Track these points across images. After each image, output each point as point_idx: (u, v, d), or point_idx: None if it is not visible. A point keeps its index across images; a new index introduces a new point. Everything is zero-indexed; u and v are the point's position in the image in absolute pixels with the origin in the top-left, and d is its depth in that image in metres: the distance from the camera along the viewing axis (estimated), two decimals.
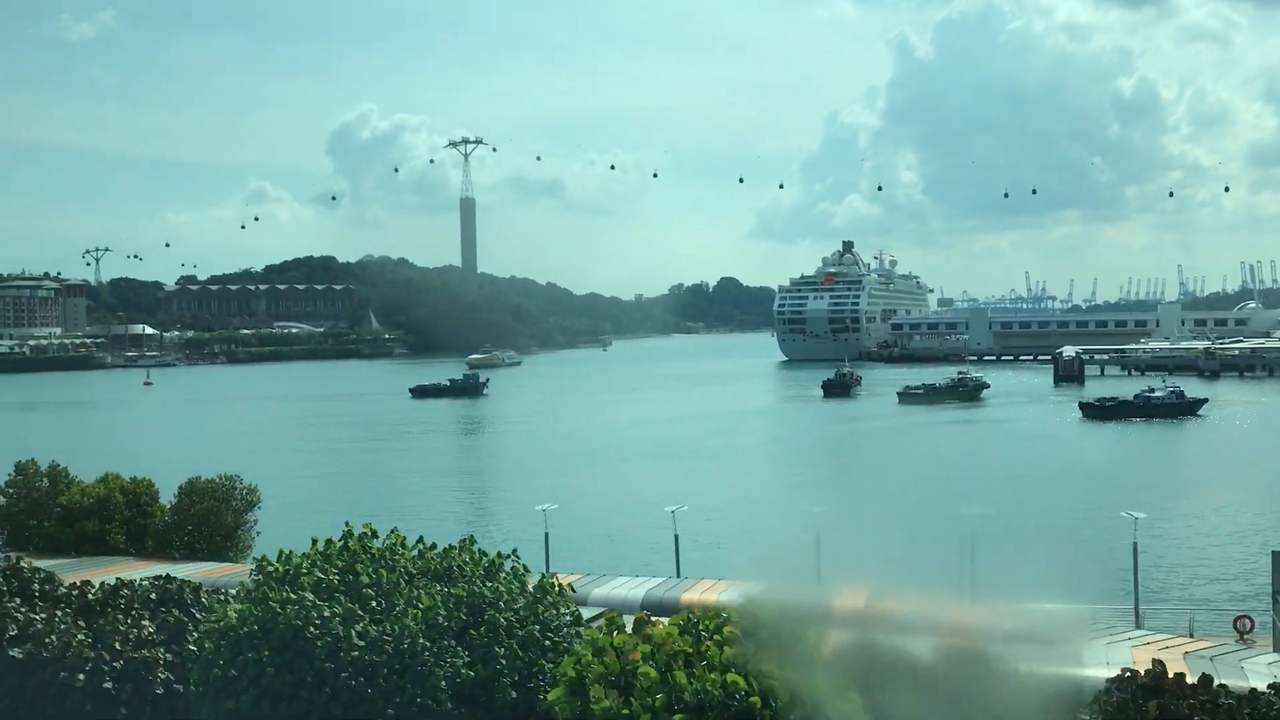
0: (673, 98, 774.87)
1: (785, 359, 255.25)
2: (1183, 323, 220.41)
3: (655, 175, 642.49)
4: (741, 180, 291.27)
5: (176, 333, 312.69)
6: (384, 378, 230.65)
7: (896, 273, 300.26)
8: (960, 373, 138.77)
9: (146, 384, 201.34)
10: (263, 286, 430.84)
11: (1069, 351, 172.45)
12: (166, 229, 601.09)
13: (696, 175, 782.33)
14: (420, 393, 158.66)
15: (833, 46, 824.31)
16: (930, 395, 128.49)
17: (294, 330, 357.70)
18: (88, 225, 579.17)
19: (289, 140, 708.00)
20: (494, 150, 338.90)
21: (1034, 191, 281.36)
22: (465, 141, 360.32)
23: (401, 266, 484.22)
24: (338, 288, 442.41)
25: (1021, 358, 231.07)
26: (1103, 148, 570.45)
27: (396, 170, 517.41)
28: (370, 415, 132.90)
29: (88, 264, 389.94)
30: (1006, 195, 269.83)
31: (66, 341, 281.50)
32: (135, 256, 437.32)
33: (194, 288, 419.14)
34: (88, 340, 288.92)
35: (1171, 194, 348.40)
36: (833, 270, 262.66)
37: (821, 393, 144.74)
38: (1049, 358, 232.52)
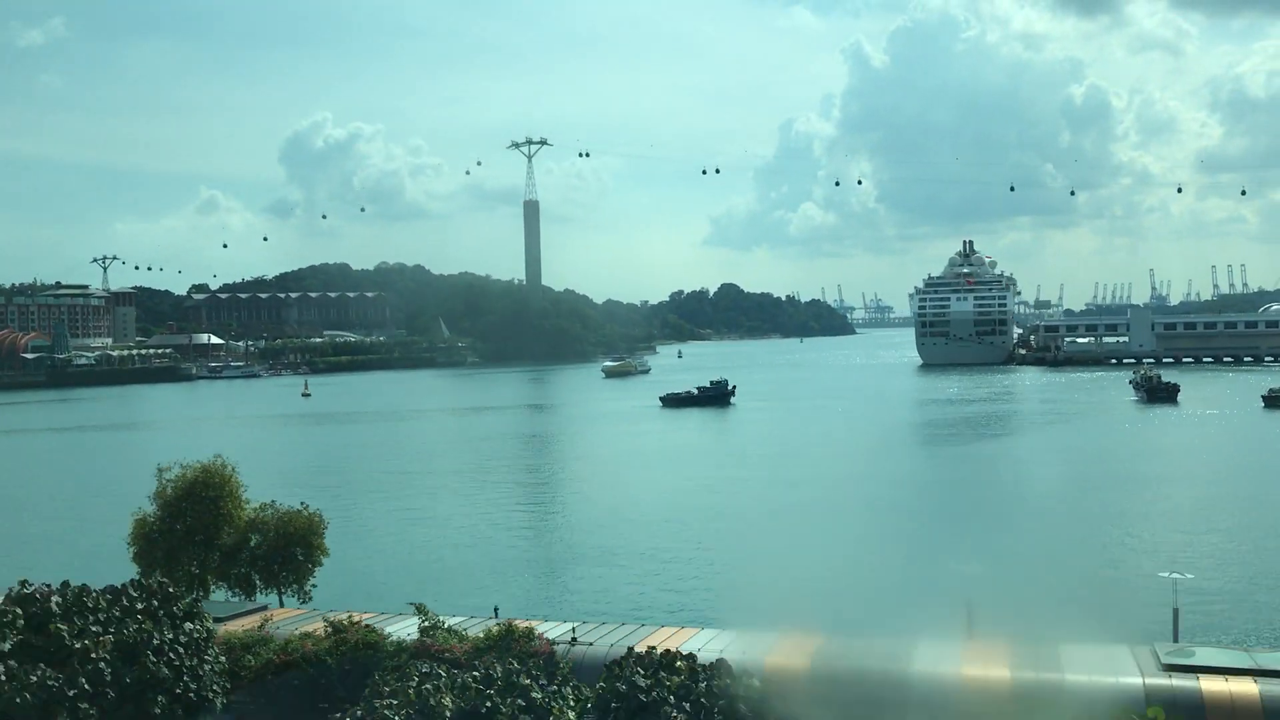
0: (628, 105, 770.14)
1: (923, 363, 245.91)
2: None
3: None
4: (706, 172, 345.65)
5: (249, 342, 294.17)
6: (534, 388, 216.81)
7: (994, 272, 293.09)
8: None
9: (305, 395, 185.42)
10: (293, 295, 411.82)
11: None
12: (115, 239, 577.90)
13: (653, 182, 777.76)
14: (672, 401, 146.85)
15: (790, 55, 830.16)
16: None
17: (349, 338, 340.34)
18: (36, 236, 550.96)
19: (241, 149, 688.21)
20: (585, 156, 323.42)
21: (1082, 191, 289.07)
22: (529, 142, 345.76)
23: (419, 273, 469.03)
24: (370, 295, 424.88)
25: (1184, 360, 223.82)
26: (1054, 155, 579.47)
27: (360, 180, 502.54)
28: (680, 428, 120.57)
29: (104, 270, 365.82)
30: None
31: (147, 351, 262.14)
32: (158, 268, 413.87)
33: (224, 296, 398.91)
34: (161, 350, 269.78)
35: (1074, 192, 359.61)
36: (965, 270, 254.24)
37: (1138, 396, 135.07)
38: (1210, 359, 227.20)
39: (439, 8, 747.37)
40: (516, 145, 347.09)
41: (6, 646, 15.65)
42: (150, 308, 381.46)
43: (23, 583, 16.91)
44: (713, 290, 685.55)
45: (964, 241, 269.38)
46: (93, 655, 15.84)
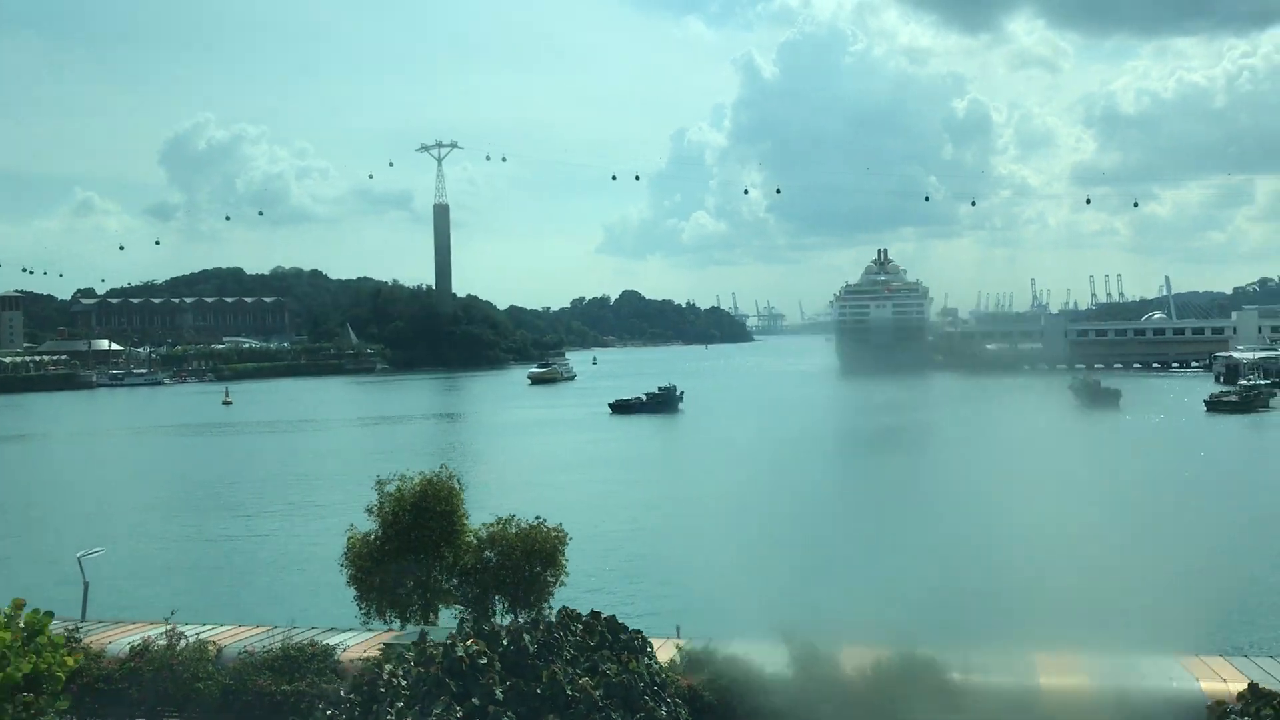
0: (521, 113, 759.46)
1: (843, 368, 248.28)
2: (1259, 330, 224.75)
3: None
4: (616, 178, 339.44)
5: (150, 349, 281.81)
6: (461, 396, 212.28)
7: (908, 280, 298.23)
8: (1249, 378, 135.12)
9: (226, 403, 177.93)
10: (188, 299, 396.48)
11: (1246, 356, 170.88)
12: None
13: (546, 189, 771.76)
14: (621, 408, 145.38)
15: (684, 65, 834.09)
16: (1243, 404, 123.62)
17: (250, 344, 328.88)
18: None
19: (118, 149, 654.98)
20: (503, 160, 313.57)
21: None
22: (439, 145, 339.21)
23: (316, 278, 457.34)
24: (268, 300, 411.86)
25: (1095, 366, 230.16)
26: (938, 167, 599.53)
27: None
28: (659, 438, 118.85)
29: None
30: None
31: (42, 358, 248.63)
32: (41, 271, 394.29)
33: (115, 301, 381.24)
34: (57, 356, 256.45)
35: (974, 203, 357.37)
36: (881, 278, 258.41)
37: (1079, 402, 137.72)
38: (1120, 365, 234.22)
39: (321, 10, 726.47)
40: (426, 148, 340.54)
41: (499, 694, 13.13)
42: (34, 313, 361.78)
43: (475, 618, 14.28)
44: (614, 297, 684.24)
45: (879, 250, 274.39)
46: (599, 704, 13.39)
